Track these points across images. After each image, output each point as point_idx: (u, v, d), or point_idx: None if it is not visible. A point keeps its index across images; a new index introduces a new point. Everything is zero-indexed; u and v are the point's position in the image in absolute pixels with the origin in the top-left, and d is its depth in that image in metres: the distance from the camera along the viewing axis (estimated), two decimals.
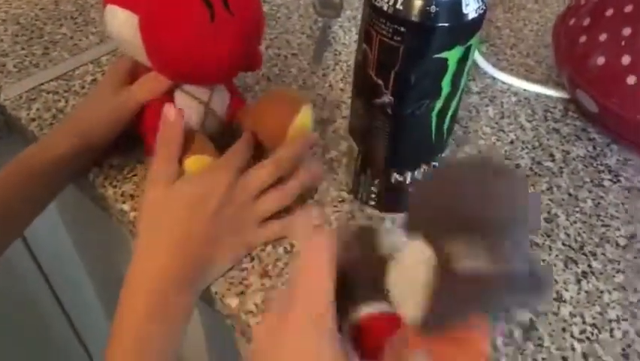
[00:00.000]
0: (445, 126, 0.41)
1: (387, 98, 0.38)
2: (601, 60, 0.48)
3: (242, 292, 0.40)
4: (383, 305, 0.29)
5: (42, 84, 0.56)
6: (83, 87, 0.56)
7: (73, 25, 0.64)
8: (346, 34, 0.66)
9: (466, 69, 0.37)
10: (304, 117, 0.43)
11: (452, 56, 0.35)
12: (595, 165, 0.51)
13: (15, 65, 0.58)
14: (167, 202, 0.39)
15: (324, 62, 0.62)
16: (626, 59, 0.47)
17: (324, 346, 0.26)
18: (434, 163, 0.43)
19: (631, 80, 0.46)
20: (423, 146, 0.41)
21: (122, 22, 0.40)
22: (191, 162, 0.41)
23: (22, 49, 0.60)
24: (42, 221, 0.65)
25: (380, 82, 0.37)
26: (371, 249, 0.30)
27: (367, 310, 0.29)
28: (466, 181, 0.24)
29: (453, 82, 0.37)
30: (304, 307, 0.27)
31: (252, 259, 0.42)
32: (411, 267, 0.26)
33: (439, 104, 0.38)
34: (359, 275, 0.30)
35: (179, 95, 0.44)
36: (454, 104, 0.39)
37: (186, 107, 0.44)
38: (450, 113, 0.40)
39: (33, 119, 0.52)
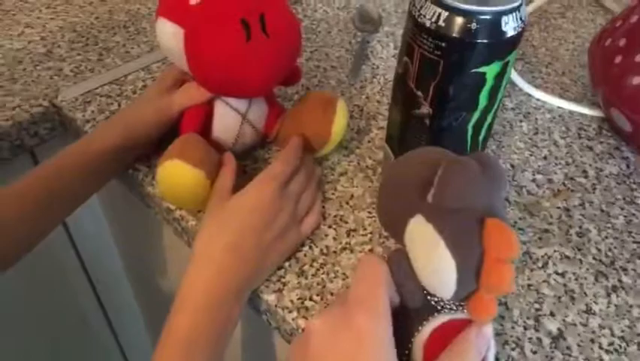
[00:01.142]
0: (481, 138, 0.42)
1: (426, 109, 0.39)
2: (636, 80, 0.49)
3: (279, 290, 0.42)
4: (443, 316, 0.31)
5: (96, 88, 0.59)
6: (134, 92, 0.59)
7: (126, 33, 0.68)
8: (384, 49, 0.68)
9: (503, 83, 0.39)
10: (342, 115, 0.47)
11: (490, 70, 0.37)
12: (628, 182, 0.52)
13: (71, 69, 0.62)
14: (222, 215, 0.41)
15: (361, 75, 0.64)
16: None
17: (381, 351, 0.28)
18: None
19: None
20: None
21: (170, 34, 0.43)
22: (166, 166, 0.42)
23: (79, 54, 0.64)
24: (87, 217, 0.69)
25: (420, 93, 0.39)
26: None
27: (431, 325, 0.31)
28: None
29: (490, 95, 0.39)
30: (361, 313, 0.29)
31: (289, 259, 0.44)
32: (418, 254, 0.29)
33: (475, 117, 0.40)
34: (411, 296, 0.32)
35: (218, 104, 0.47)
36: (490, 116, 0.41)
37: (224, 116, 0.47)
38: (486, 125, 0.41)
39: (87, 121, 0.55)
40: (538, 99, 0.61)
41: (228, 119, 0.47)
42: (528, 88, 0.62)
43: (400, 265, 0.32)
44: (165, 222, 0.50)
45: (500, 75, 0.38)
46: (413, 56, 0.38)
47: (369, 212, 0.48)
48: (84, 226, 0.72)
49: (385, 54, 0.68)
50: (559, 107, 0.60)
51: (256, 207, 0.41)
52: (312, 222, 0.45)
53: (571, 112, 0.60)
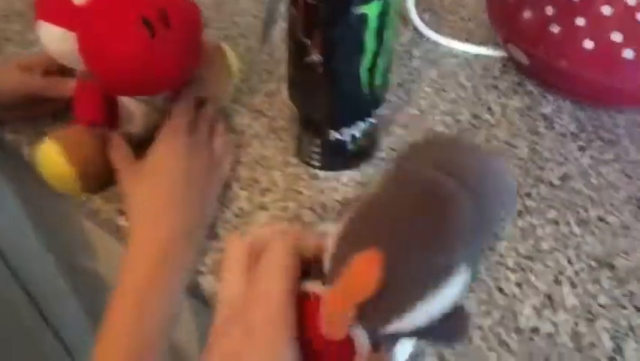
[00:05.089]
0: (377, 82, 0.43)
1: (316, 56, 0.39)
2: (527, 14, 0.51)
3: None
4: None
5: None
6: None
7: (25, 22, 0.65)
8: None
9: (387, 24, 0.39)
10: (232, 55, 0.50)
11: (371, 10, 0.37)
12: (531, 114, 0.54)
13: None
14: (143, 178, 0.41)
15: (271, 40, 0.63)
16: (549, 10, 0.49)
17: (280, 351, 0.26)
18: (370, 120, 0.45)
19: (554, 29, 0.49)
20: (357, 103, 0.43)
21: (58, 39, 0.40)
22: (41, 148, 0.42)
23: None
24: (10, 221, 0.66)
25: (308, 41, 0.39)
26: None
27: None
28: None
29: (377, 37, 0.39)
30: (260, 312, 0.27)
31: None
32: None
33: (366, 60, 0.40)
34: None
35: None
36: (382, 60, 0.41)
37: (129, 105, 0.45)
38: (380, 69, 0.42)
39: None
40: (444, 46, 0.62)
41: (133, 109, 0.46)
42: (434, 36, 0.63)
43: None
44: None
45: (383, 15, 0.38)
46: (297, 4, 0.38)
47: (282, 170, 0.48)
48: (7, 228, 0.70)
49: None
50: (464, 52, 0.61)
51: (172, 160, 0.42)
52: (228, 160, 0.47)
53: (476, 55, 0.61)
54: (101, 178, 0.44)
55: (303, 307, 0.28)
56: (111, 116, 0.45)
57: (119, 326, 0.36)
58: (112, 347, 0.35)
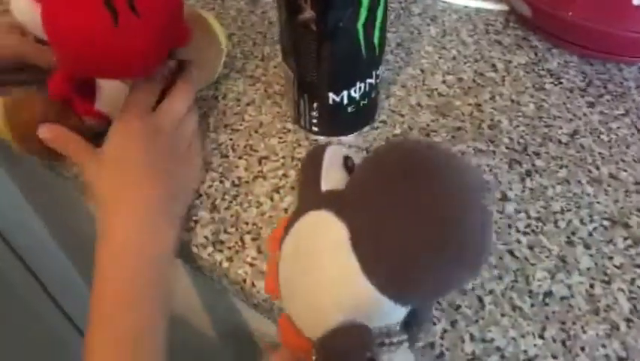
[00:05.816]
0: (376, 39, 0.40)
1: (308, 13, 0.37)
2: None
3: (192, 228, 0.40)
4: None
5: None
6: None
7: None
8: None
9: None
10: (218, 26, 0.47)
11: None
12: (536, 70, 0.51)
13: None
14: (99, 168, 0.39)
15: (261, 0, 0.60)
16: None
17: None
18: (370, 80, 0.43)
19: None
20: (354, 61, 0.41)
21: (24, 9, 0.37)
22: None
23: None
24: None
25: None
26: None
27: None
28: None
29: None
30: None
31: (200, 196, 0.42)
32: None
33: (363, 14, 0.37)
34: None
35: None
36: (379, 13, 0.39)
37: (107, 86, 0.43)
38: (378, 23, 0.39)
39: None
40: (444, 2, 0.59)
41: (112, 90, 0.43)
42: None
43: None
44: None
45: None
46: None
47: (280, 137, 0.46)
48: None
49: None
50: (465, 7, 0.59)
51: (127, 148, 0.39)
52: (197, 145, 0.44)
53: (477, 10, 0.58)
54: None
55: None
56: (87, 92, 0.42)
57: (104, 314, 0.35)
58: (102, 335, 0.34)
